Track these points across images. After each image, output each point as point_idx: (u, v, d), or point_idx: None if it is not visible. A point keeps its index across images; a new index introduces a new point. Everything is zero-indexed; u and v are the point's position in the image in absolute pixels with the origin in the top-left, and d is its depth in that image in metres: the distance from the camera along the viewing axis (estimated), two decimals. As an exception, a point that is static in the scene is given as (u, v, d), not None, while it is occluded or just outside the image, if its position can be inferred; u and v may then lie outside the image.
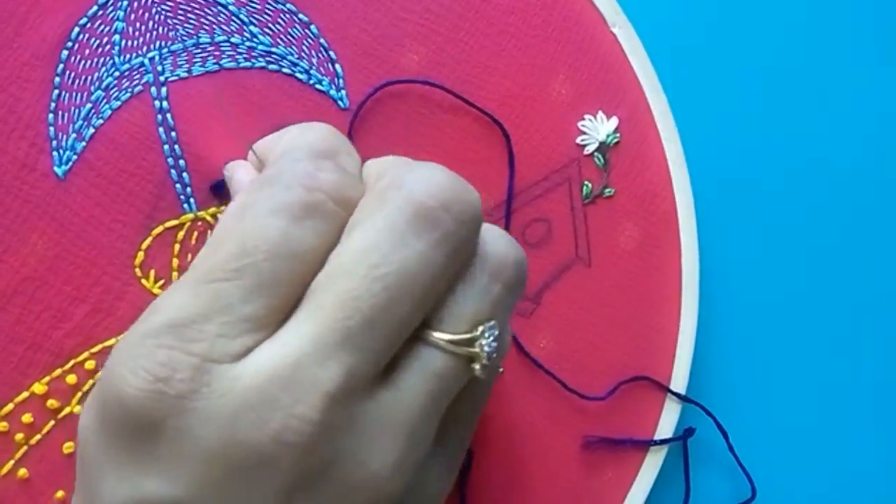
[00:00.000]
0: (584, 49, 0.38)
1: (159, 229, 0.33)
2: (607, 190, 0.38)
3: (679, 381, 0.37)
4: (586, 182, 0.37)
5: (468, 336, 0.24)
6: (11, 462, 0.32)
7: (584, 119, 0.38)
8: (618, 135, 0.38)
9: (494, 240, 0.26)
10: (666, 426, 0.37)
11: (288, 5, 0.35)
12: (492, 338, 0.24)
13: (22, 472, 0.32)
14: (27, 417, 0.32)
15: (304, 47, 0.35)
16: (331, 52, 0.35)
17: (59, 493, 0.33)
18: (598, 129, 0.38)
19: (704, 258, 0.38)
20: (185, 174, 0.33)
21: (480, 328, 0.24)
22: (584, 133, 0.38)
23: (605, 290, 0.37)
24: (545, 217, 0.37)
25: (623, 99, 0.38)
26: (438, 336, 0.24)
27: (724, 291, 0.40)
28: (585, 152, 0.38)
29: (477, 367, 0.24)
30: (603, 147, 0.38)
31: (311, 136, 0.26)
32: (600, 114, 0.38)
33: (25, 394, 0.32)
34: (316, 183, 0.24)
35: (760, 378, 0.40)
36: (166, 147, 0.33)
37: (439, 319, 0.24)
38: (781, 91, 0.42)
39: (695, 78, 0.41)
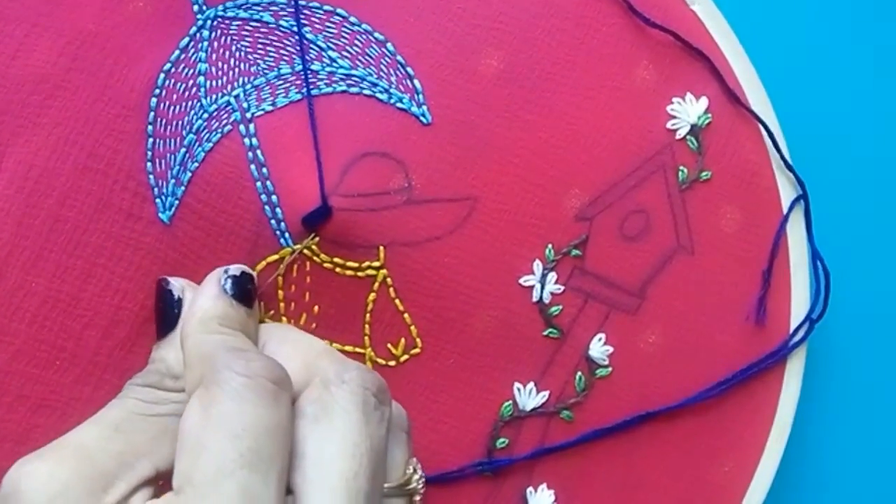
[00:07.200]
0: (665, 31, 0.37)
1: (262, 265, 0.34)
2: (704, 173, 0.37)
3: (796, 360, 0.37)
4: (681, 167, 0.37)
5: (406, 478, 0.29)
6: None
7: (672, 103, 0.37)
8: (709, 115, 0.37)
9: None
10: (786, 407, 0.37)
11: (364, 25, 0.35)
12: (419, 472, 0.29)
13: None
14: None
15: (381, 66, 0.35)
16: (408, 69, 0.35)
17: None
18: (688, 111, 0.37)
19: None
20: (277, 209, 0.34)
21: (411, 468, 0.29)
22: (675, 117, 0.37)
23: (712, 276, 0.36)
24: (642, 208, 0.36)
25: (711, 77, 0.37)
26: (389, 486, 0.28)
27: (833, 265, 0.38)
28: (677, 136, 0.37)
29: (417, 498, 0.29)
30: (695, 129, 0.37)
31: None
32: (689, 95, 0.37)
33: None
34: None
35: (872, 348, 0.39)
36: (259, 184, 0.34)
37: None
38: (873, 51, 0.40)
39: (781, 46, 0.39)
